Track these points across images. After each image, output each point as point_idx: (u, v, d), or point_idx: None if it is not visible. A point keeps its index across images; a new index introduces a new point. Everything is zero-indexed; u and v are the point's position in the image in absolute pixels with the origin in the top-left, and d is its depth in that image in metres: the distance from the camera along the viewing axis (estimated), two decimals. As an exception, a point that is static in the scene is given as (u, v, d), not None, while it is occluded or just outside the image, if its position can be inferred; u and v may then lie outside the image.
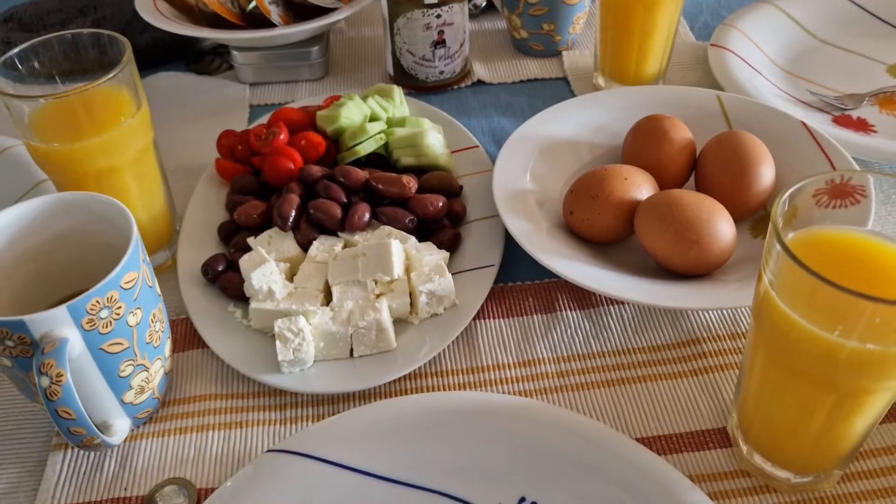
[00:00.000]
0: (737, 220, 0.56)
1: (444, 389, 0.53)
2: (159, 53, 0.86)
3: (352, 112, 0.66)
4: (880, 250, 0.40)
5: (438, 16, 0.74)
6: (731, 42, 0.79)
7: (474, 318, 0.56)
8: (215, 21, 0.79)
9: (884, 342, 0.35)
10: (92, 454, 0.50)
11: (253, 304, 0.54)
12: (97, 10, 0.88)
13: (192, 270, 0.59)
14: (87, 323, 0.42)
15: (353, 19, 0.93)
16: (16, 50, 0.54)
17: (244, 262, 0.55)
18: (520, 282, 0.60)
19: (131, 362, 0.46)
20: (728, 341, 0.54)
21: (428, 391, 0.52)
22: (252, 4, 0.79)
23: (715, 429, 0.49)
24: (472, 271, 0.58)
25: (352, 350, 0.53)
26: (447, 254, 0.58)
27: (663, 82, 0.78)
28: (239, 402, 0.52)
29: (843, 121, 0.72)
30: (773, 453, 0.45)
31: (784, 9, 0.84)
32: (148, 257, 0.48)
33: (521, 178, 0.62)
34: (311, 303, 0.54)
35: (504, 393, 0.52)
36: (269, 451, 0.46)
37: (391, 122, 0.68)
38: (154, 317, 0.47)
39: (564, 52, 0.84)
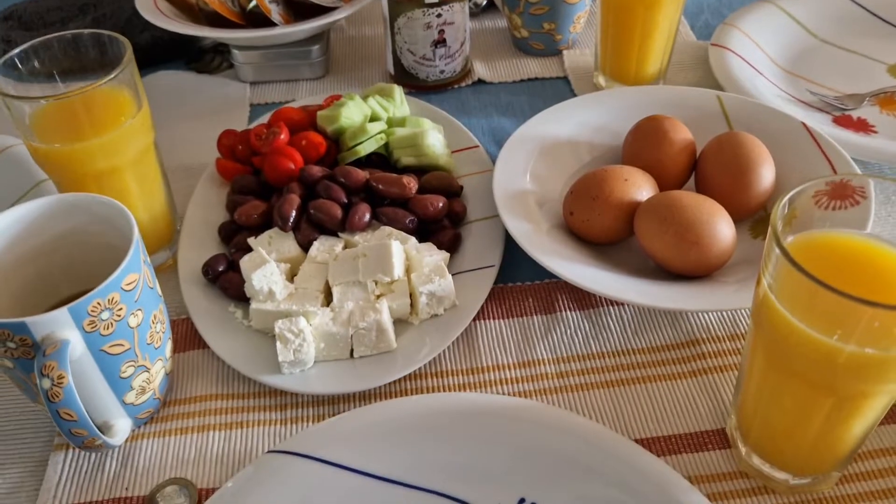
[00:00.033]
0: (736, 220, 0.57)
1: (444, 390, 0.53)
2: (159, 52, 0.86)
3: (352, 112, 0.66)
4: (879, 254, 0.40)
5: (439, 15, 0.74)
6: (731, 42, 0.79)
7: (474, 319, 0.56)
8: (216, 20, 0.79)
9: (882, 346, 0.35)
10: (93, 454, 0.50)
11: (253, 305, 0.54)
12: (97, 8, 0.88)
13: (193, 270, 0.59)
14: (89, 325, 0.43)
15: (353, 18, 0.93)
16: (16, 50, 0.54)
17: (245, 262, 0.55)
18: (520, 282, 0.60)
19: (132, 363, 0.46)
20: (727, 342, 0.54)
21: (428, 392, 0.53)
22: (252, 3, 0.79)
23: (714, 430, 0.49)
24: (472, 272, 0.58)
25: (352, 351, 0.53)
26: (447, 254, 0.58)
27: (664, 82, 0.78)
28: (239, 403, 0.53)
29: (843, 121, 0.72)
30: (771, 455, 0.45)
31: (785, 8, 0.84)
32: (149, 258, 0.48)
33: (521, 178, 0.62)
34: (312, 303, 0.54)
35: (504, 394, 0.52)
36: (269, 451, 0.46)
37: (391, 122, 0.68)
38: (155, 318, 0.47)
39: (565, 52, 0.84)
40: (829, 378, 0.38)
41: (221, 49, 0.87)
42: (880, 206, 0.45)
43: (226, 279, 0.57)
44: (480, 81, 0.82)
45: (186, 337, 0.57)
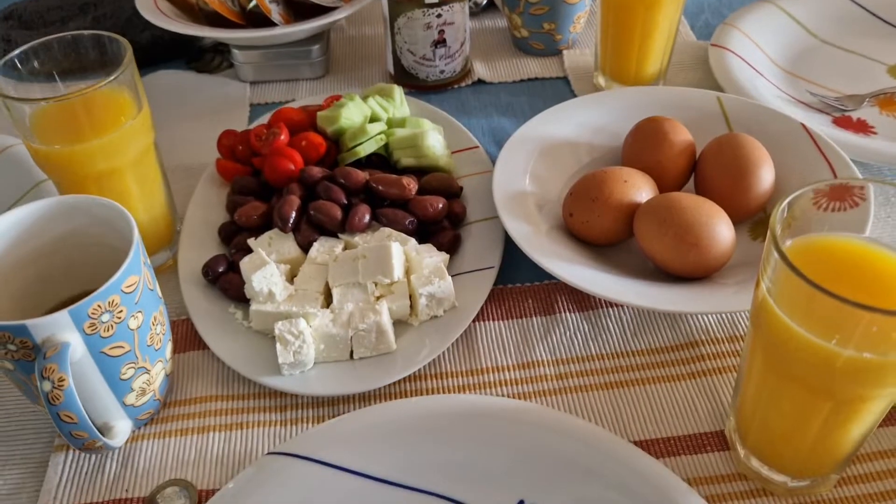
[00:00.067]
0: (736, 222, 0.57)
1: (444, 391, 0.53)
2: (159, 51, 0.86)
3: (352, 112, 0.66)
4: (879, 258, 0.40)
5: (439, 15, 0.74)
6: (731, 42, 0.79)
7: (474, 320, 0.57)
8: (216, 20, 0.79)
9: (880, 351, 0.35)
10: (93, 456, 0.50)
11: (253, 306, 0.54)
12: (97, 8, 0.88)
13: (193, 271, 0.59)
14: (89, 327, 0.43)
15: (353, 17, 0.93)
16: (16, 52, 0.54)
17: (245, 264, 0.55)
18: (519, 283, 0.60)
19: (132, 365, 0.46)
20: (726, 344, 0.55)
21: (427, 393, 0.53)
22: (252, 3, 0.79)
23: (713, 432, 0.50)
24: (471, 273, 0.58)
25: (352, 352, 0.53)
26: (447, 256, 0.58)
27: (664, 82, 0.78)
28: (239, 404, 0.53)
29: (843, 122, 0.72)
30: (770, 457, 0.45)
31: (785, 8, 0.84)
32: (149, 259, 0.48)
33: (520, 179, 0.63)
34: (312, 305, 0.54)
35: (503, 395, 0.52)
36: (269, 453, 0.47)
37: (391, 123, 0.68)
38: (155, 320, 0.48)
39: (565, 52, 0.84)
40: (827, 382, 0.38)
41: (221, 49, 0.87)
42: (880, 207, 0.45)
43: (226, 280, 0.57)
44: (480, 81, 0.82)
45: (186, 338, 0.57)
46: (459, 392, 0.53)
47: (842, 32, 0.83)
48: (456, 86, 0.81)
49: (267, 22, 0.78)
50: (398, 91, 0.71)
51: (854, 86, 0.76)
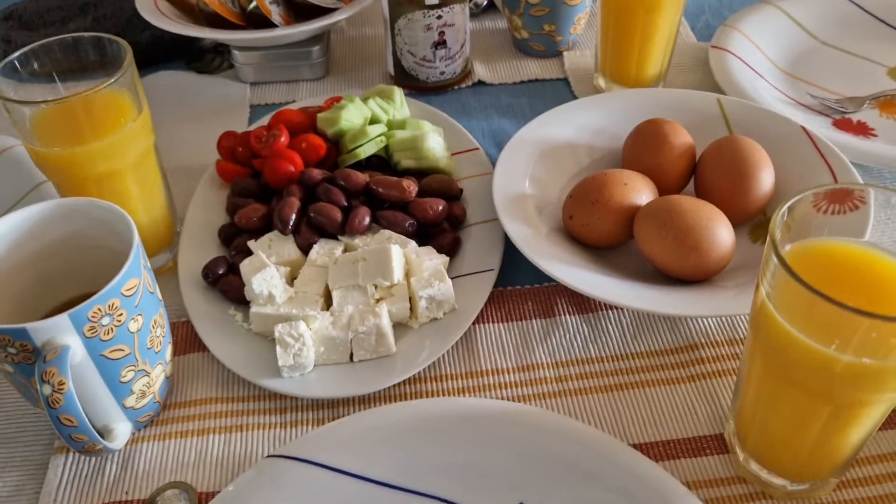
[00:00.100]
0: (736, 225, 0.57)
1: (444, 394, 0.53)
2: (160, 52, 0.86)
3: (352, 114, 0.66)
4: (878, 262, 0.40)
5: (439, 17, 0.74)
6: (731, 44, 0.79)
7: (474, 323, 0.57)
8: (216, 21, 0.79)
9: (879, 356, 0.35)
10: (93, 458, 0.50)
11: (253, 309, 0.54)
12: (97, 8, 0.88)
13: (193, 273, 0.59)
14: (89, 330, 0.43)
15: (353, 18, 0.93)
16: (16, 54, 0.54)
17: (245, 266, 0.55)
18: (519, 286, 0.60)
19: (132, 368, 0.47)
20: (726, 347, 0.55)
21: (427, 396, 0.53)
22: (253, 4, 0.79)
23: (712, 435, 0.50)
24: (471, 275, 0.58)
25: (352, 355, 0.53)
26: (447, 258, 0.58)
27: (664, 84, 0.78)
28: (239, 406, 0.53)
29: (843, 124, 0.72)
30: (769, 461, 0.45)
31: (785, 10, 0.84)
32: (149, 262, 0.48)
33: (520, 182, 0.63)
34: (312, 307, 0.54)
35: (503, 398, 0.52)
36: (269, 456, 0.47)
37: (391, 125, 0.68)
38: (155, 322, 0.48)
39: (565, 53, 0.84)
40: (826, 387, 0.38)
41: (222, 49, 0.87)
42: (880, 209, 0.45)
43: (226, 282, 0.57)
44: (481, 83, 0.82)
45: (186, 340, 0.57)
46: (459, 394, 0.53)
47: (842, 34, 0.83)
48: (456, 87, 0.81)
49: (267, 23, 0.78)
50: (398, 92, 0.71)
51: (854, 88, 0.76)
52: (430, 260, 0.57)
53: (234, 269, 0.58)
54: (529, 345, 0.56)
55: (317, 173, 0.61)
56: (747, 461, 0.46)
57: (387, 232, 0.59)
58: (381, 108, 0.69)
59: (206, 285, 0.59)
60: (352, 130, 0.65)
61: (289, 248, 0.59)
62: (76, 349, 0.42)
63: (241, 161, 0.67)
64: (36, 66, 0.56)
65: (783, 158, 0.62)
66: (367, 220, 0.59)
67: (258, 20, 0.78)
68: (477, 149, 0.69)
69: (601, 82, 0.78)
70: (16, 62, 0.54)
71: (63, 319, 0.41)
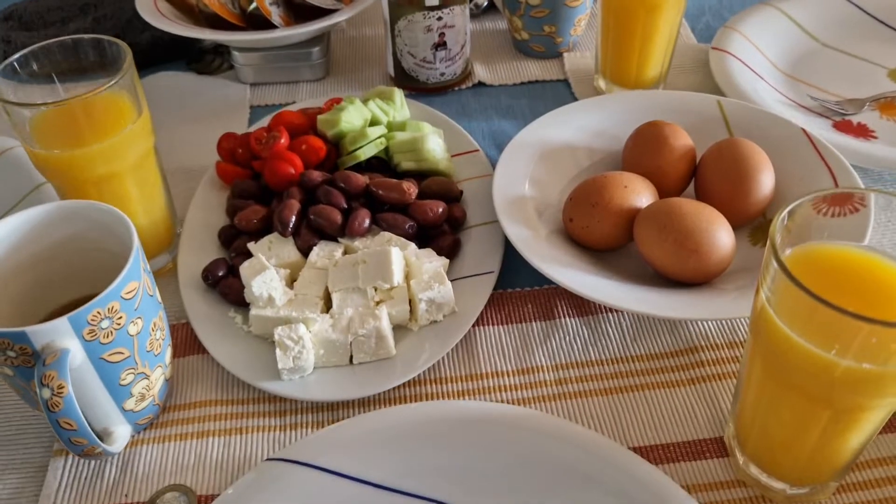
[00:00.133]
0: (736, 227, 0.57)
1: (444, 397, 0.53)
2: (160, 52, 0.86)
3: (352, 116, 0.66)
4: (879, 267, 0.40)
5: (439, 18, 0.74)
6: (732, 45, 0.79)
7: (473, 325, 0.56)
8: (216, 22, 0.79)
9: (879, 361, 0.35)
10: (93, 460, 0.50)
11: (253, 311, 0.54)
12: (97, 9, 0.88)
13: (193, 275, 0.59)
14: (88, 333, 0.43)
15: (353, 19, 0.93)
16: (16, 56, 0.54)
17: (244, 269, 0.55)
18: (519, 288, 0.60)
19: (132, 371, 0.47)
20: (726, 350, 0.55)
21: (427, 398, 0.53)
22: (253, 5, 0.78)
23: (712, 438, 0.50)
24: (471, 278, 0.58)
25: (351, 357, 0.53)
26: (447, 261, 0.58)
27: (664, 85, 0.78)
28: (239, 409, 0.53)
29: (843, 126, 0.72)
30: (769, 465, 0.45)
31: (786, 11, 0.84)
32: (148, 265, 0.48)
33: (520, 184, 0.62)
34: (311, 310, 0.54)
35: (502, 400, 0.52)
36: (268, 459, 0.47)
37: (392, 126, 0.68)
38: (155, 325, 0.48)
39: (565, 54, 0.84)
40: (826, 391, 0.38)
41: (222, 50, 0.87)
42: (880, 211, 0.45)
43: (225, 284, 0.57)
44: (481, 84, 0.82)
45: (186, 342, 0.57)
46: (459, 397, 0.53)
47: (843, 36, 0.83)
48: (456, 88, 0.81)
49: (267, 24, 0.78)
50: (398, 94, 0.71)
51: (855, 90, 0.76)
52: (430, 262, 0.57)
53: (233, 272, 0.58)
54: (529, 347, 0.56)
55: (317, 175, 0.61)
56: (747, 465, 0.46)
57: (387, 234, 0.59)
58: (381, 109, 0.69)
59: (205, 287, 0.59)
60: (352, 132, 0.65)
61: (289, 250, 0.58)
62: (75, 352, 0.42)
63: (241, 163, 0.67)
64: (35, 67, 0.55)
65: (783, 161, 0.62)
66: (367, 222, 0.59)
67: (258, 21, 0.78)
68: (477, 150, 0.69)
69: (601, 84, 0.78)
70: (15, 64, 0.54)
71: (62, 323, 0.41)
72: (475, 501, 0.45)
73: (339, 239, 0.59)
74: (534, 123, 0.67)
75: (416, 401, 0.52)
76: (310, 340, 0.52)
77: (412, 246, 0.58)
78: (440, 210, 0.60)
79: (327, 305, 0.56)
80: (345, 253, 0.59)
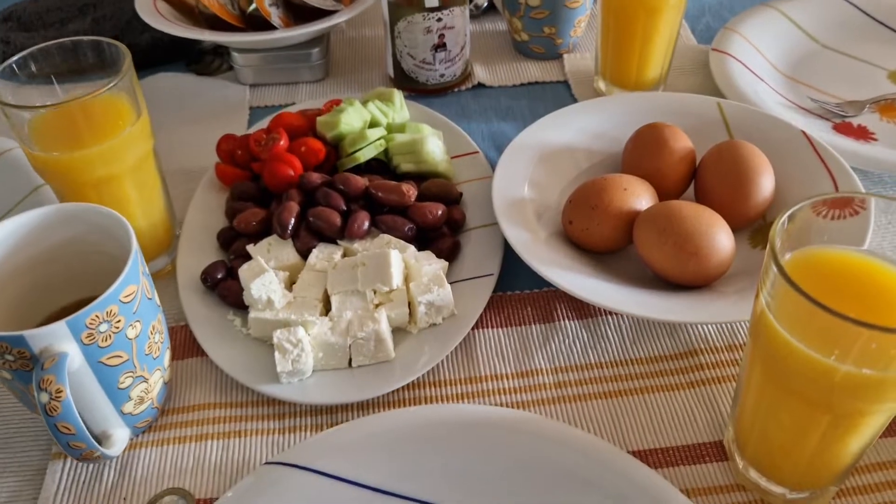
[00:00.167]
0: (735, 229, 0.56)
1: (443, 400, 0.53)
2: (159, 53, 0.86)
3: (352, 118, 0.66)
4: (879, 272, 0.40)
5: (439, 19, 0.74)
6: (732, 47, 0.79)
7: (473, 328, 0.56)
8: (215, 23, 0.79)
9: (879, 367, 0.35)
10: (91, 464, 0.50)
11: (252, 314, 0.54)
12: (97, 9, 0.88)
13: (192, 277, 0.59)
14: (87, 337, 0.43)
15: (353, 20, 0.92)
16: (15, 58, 0.54)
17: (244, 271, 0.55)
18: (518, 291, 0.60)
19: (130, 374, 0.46)
20: (726, 353, 0.54)
21: (426, 401, 0.53)
22: (252, 6, 0.78)
23: (711, 442, 0.49)
24: (470, 280, 0.58)
25: (350, 360, 0.53)
26: (446, 263, 0.58)
27: (664, 87, 0.78)
28: (237, 412, 0.53)
29: (843, 128, 0.72)
30: (768, 469, 0.45)
31: (786, 13, 0.84)
32: (147, 268, 0.48)
33: (520, 186, 0.62)
34: (311, 312, 0.54)
35: (502, 404, 0.52)
36: (267, 462, 0.46)
37: (391, 128, 0.68)
38: (153, 328, 0.47)
39: (565, 56, 0.84)
40: (826, 396, 0.38)
41: (221, 51, 0.87)
42: (880, 213, 0.45)
43: (224, 287, 0.57)
44: (480, 85, 0.82)
45: (185, 344, 0.57)
46: (458, 400, 0.53)
47: (843, 37, 0.83)
48: (456, 89, 0.81)
49: (267, 25, 0.78)
50: (398, 95, 0.71)
51: (855, 91, 0.76)
52: (430, 265, 0.57)
53: (232, 274, 0.58)
54: (529, 350, 0.55)
55: (316, 177, 0.61)
56: (746, 469, 0.46)
57: (386, 236, 0.58)
58: (380, 111, 0.69)
59: (204, 289, 0.59)
60: (351, 134, 0.65)
61: (288, 252, 0.58)
62: (74, 356, 0.42)
63: (241, 164, 0.67)
64: (34, 68, 0.55)
65: (783, 163, 0.62)
66: (367, 224, 0.59)
67: (258, 22, 0.78)
68: (476, 152, 0.69)
69: (601, 85, 0.78)
70: (14, 65, 0.54)
71: (61, 327, 0.41)
72: (474, 505, 0.45)
73: (339, 241, 0.59)
74: (533, 125, 0.67)
75: (415, 404, 0.52)
76: (309, 343, 0.52)
77: (411, 248, 0.58)
78: (440, 212, 0.60)
79: (326, 308, 0.56)
80: (344, 255, 0.58)
